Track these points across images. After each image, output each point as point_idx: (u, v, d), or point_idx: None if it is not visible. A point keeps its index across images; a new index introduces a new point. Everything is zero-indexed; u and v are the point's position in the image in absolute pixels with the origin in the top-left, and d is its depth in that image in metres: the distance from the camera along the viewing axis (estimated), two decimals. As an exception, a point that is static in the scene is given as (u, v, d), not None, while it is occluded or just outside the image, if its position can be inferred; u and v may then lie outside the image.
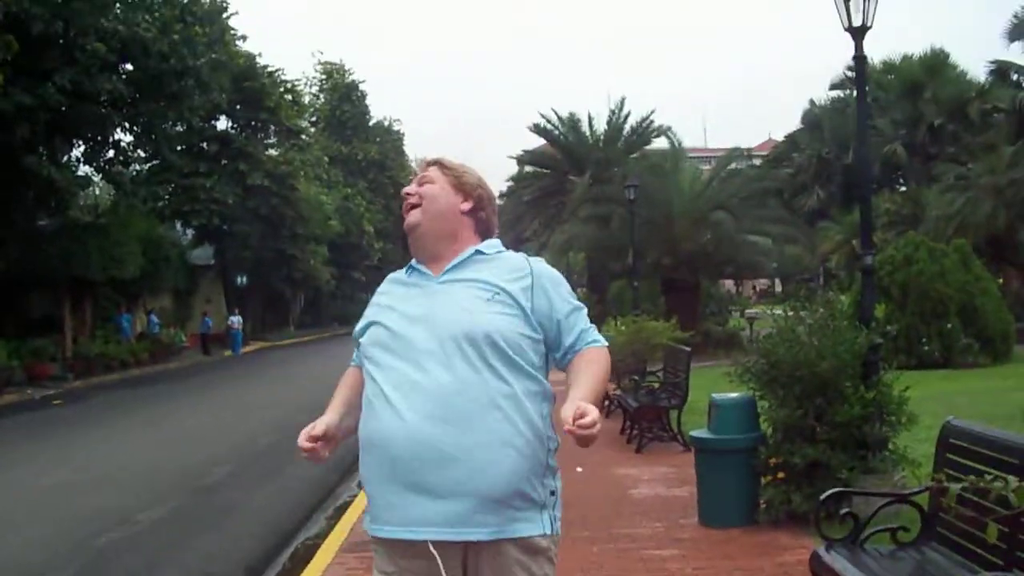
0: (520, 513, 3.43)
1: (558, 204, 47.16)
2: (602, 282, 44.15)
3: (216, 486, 13.17)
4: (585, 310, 3.73)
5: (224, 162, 52.08)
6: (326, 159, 71.20)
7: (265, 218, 52.77)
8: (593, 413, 3.24)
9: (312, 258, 61.12)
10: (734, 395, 9.28)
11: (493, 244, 3.83)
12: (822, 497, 5.89)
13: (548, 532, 3.50)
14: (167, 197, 49.84)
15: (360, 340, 3.75)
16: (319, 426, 3.80)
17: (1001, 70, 52.44)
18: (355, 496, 11.72)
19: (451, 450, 3.37)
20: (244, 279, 55.77)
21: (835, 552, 5.57)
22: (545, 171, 50.89)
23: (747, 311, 50.59)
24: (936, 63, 55.33)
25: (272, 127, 56.37)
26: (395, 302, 3.72)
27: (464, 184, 3.85)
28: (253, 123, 54.66)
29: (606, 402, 17.60)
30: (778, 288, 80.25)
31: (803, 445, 8.67)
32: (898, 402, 9.00)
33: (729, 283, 62.51)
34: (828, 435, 8.64)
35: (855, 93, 9.94)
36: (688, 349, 14.65)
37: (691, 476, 11.36)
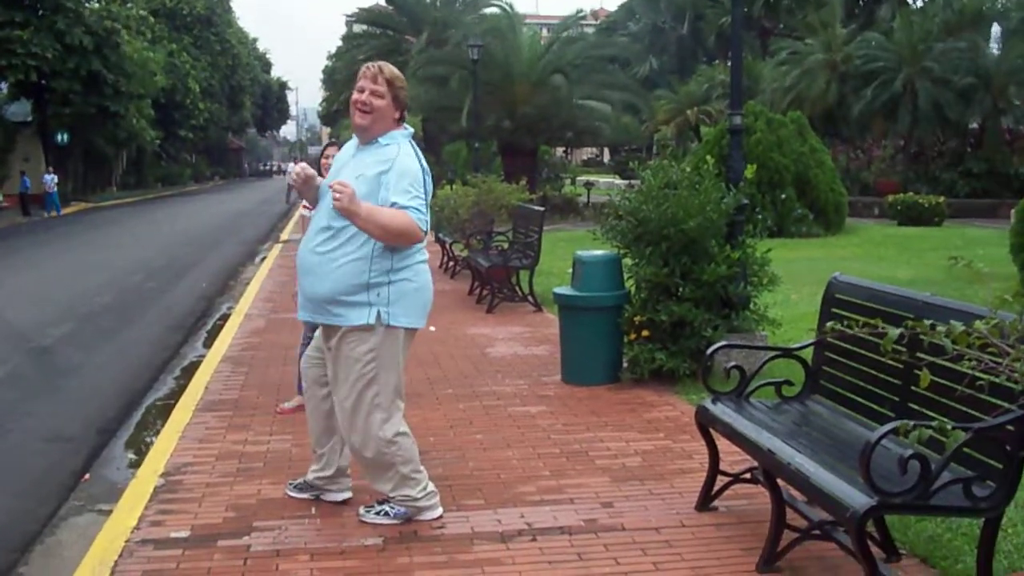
0: (345, 309, 5.45)
1: (393, 64, 46.19)
2: (437, 144, 43.75)
3: (53, 347, 12.63)
4: (410, 196, 5.36)
5: (41, 13, 49.36)
6: (150, 14, 68.15)
7: (86, 76, 50.36)
8: (348, 190, 5.16)
9: (136, 116, 58.83)
10: (599, 252, 9.21)
11: (393, 136, 5.59)
12: (711, 350, 5.86)
13: (370, 322, 5.44)
14: (-20, 49, 47.02)
15: None
16: (311, 171, 5.84)
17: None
18: (202, 357, 11.39)
19: (310, 267, 5.54)
20: (65, 137, 53.36)
21: (722, 404, 5.57)
22: (380, 31, 49.87)
23: (579, 179, 50.98)
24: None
25: (92, -24, 53.60)
26: (336, 163, 5.89)
27: (400, 98, 5.60)
28: (72, -27, 51.84)
29: (451, 262, 17.90)
30: (607, 158, 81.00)
31: (668, 303, 8.70)
32: (760, 263, 9.09)
33: (559, 151, 62.77)
34: (693, 294, 8.69)
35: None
36: (542, 209, 14.54)
37: (547, 336, 11.45)
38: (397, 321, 5.50)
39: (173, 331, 13.71)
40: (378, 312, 5.43)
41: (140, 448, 7.96)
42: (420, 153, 5.65)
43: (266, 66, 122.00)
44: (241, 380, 9.39)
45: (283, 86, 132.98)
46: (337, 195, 5.14)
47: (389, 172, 5.39)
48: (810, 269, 15.95)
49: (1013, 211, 15.51)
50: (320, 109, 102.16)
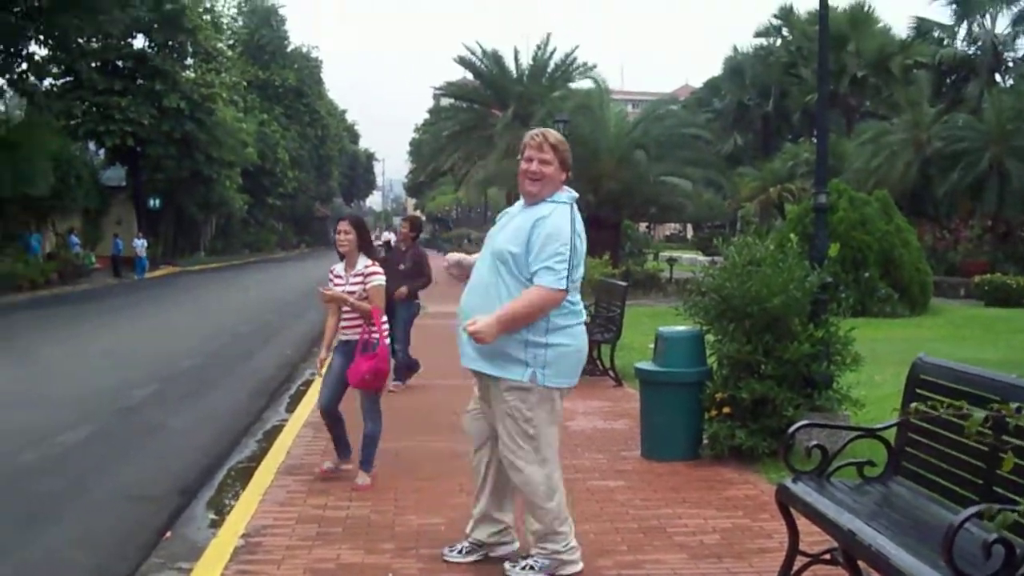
0: (504, 361, 5.76)
1: (479, 139, 46.86)
2: (523, 219, 43.97)
3: (138, 408, 12.85)
4: (546, 255, 5.67)
5: (140, 81, 50.75)
6: (244, 83, 69.77)
7: (180, 140, 51.56)
8: (478, 324, 5.60)
9: (226, 183, 60.03)
10: (682, 328, 9.23)
11: (556, 198, 5.92)
12: (792, 428, 5.83)
13: (524, 380, 5.75)
14: (80, 115, 48.36)
15: None
16: (458, 255, 6.78)
17: (922, 26, 53.23)
18: (284, 421, 11.54)
19: (470, 314, 5.79)
20: (157, 202, 54.66)
21: (803, 483, 5.53)
22: (467, 105, 50.44)
23: (662, 254, 50.93)
24: (860, 16, 55.67)
25: (190, 48, 55.01)
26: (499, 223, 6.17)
27: (565, 161, 5.96)
28: (171, 43, 53.19)
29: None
30: (690, 234, 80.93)
31: (750, 381, 8.66)
32: (844, 342, 9.02)
33: (643, 226, 62.83)
34: (775, 371, 8.64)
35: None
36: (625, 284, 14.60)
37: (627, 410, 11.41)
38: (551, 383, 5.80)
39: (256, 396, 13.88)
40: (534, 372, 5.74)
41: (221, 509, 8.04)
42: (577, 216, 5.95)
43: (354, 137, 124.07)
44: (323, 445, 9.47)
45: (370, 157, 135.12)
46: (479, 339, 5.63)
47: (537, 228, 5.72)
48: (894, 350, 15.74)
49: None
50: (406, 180, 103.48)
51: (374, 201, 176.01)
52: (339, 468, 8.56)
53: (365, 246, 8.44)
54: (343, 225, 8.40)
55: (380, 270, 8.37)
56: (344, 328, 8.41)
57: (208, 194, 58.58)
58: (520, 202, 6.07)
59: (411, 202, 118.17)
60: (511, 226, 5.89)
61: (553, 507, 5.86)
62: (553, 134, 6.00)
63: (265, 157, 72.05)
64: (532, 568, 5.89)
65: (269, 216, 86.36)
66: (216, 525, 7.46)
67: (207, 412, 12.71)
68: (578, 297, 5.91)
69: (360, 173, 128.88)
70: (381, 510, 7.50)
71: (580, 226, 5.87)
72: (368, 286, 8.24)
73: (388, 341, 8.51)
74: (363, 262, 8.34)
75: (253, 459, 9.75)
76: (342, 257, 8.48)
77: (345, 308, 8.33)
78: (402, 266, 13.01)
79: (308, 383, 14.23)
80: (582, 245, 5.86)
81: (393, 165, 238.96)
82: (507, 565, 5.98)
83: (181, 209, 59.69)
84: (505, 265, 5.75)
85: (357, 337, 8.20)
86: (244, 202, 67.61)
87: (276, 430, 11.14)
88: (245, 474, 9.04)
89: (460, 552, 6.31)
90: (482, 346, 5.71)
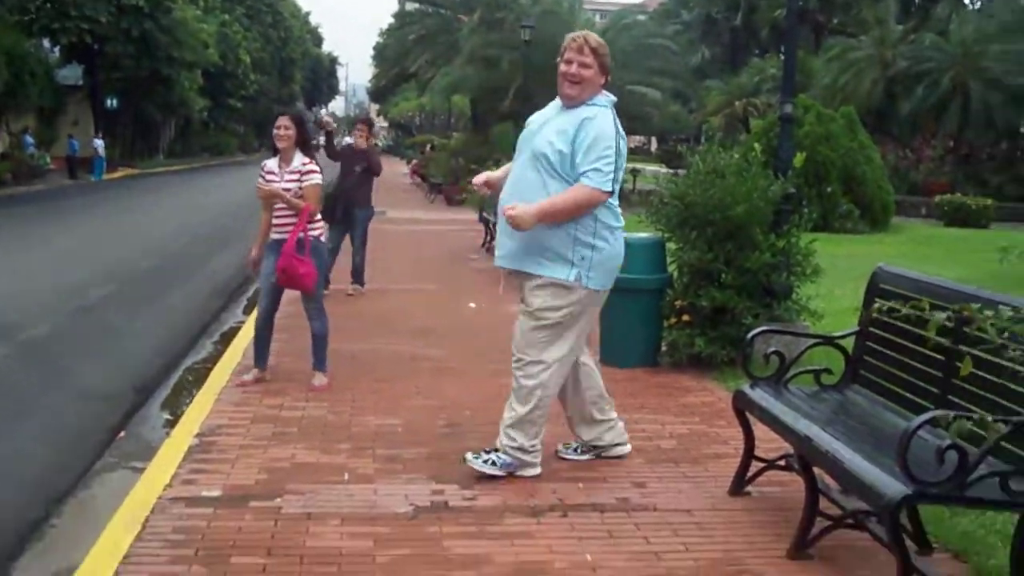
0: (549, 261, 5.76)
1: (444, 44, 46.32)
2: (486, 124, 43.70)
3: (96, 308, 12.72)
4: (593, 157, 5.61)
5: (96, -25, 49.59)
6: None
7: (139, 39, 50.54)
8: (518, 209, 5.54)
9: (186, 84, 59.07)
10: (643, 235, 9.17)
11: (596, 101, 5.84)
12: (751, 334, 5.83)
13: (569, 280, 5.74)
14: (34, 11, 47.17)
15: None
16: (484, 175, 6.50)
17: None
18: (242, 323, 11.46)
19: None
20: (114, 102, 53.68)
21: (760, 389, 5.54)
22: (432, 9, 49.81)
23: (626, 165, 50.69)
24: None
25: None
26: (532, 123, 6.05)
27: (605, 65, 5.87)
28: (131, -64, 52.00)
29: (493, 241, 17.66)
30: (654, 147, 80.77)
31: (710, 289, 8.66)
32: (805, 253, 9.01)
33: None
34: (736, 281, 8.63)
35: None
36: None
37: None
38: (594, 284, 5.81)
39: (214, 297, 13.82)
40: (579, 273, 5.73)
41: (176, 409, 7.99)
42: (618, 120, 5.90)
43: (317, 40, 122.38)
44: (278, 347, 9.43)
45: (333, 61, 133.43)
46: (515, 224, 5.58)
47: (582, 130, 5.66)
48: (854, 265, 15.76)
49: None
50: (369, 85, 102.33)
51: (337, 106, 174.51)
52: (257, 380, 8.30)
53: (303, 143, 8.14)
54: (283, 120, 8.08)
55: (317, 168, 8.12)
56: (276, 226, 8.11)
57: (168, 95, 57.54)
58: (555, 104, 6.00)
59: (374, 107, 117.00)
60: (551, 126, 5.81)
61: (539, 397, 5.88)
62: (594, 37, 5.90)
63: (226, 59, 70.66)
64: (494, 463, 5.93)
65: (230, 119, 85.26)
66: (171, 425, 7.43)
67: (164, 313, 12.61)
68: (617, 201, 5.87)
69: (323, 77, 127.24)
70: (338, 411, 7.46)
71: (622, 130, 5.86)
72: (304, 184, 8.00)
73: (324, 240, 8.43)
74: (299, 159, 8.07)
75: (210, 360, 9.71)
76: (275, 152, 8.21)
77: (279, 206, 8.06)
78: (358, 168, 12.91)
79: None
80: (625, 149, 5.88)
81: (357, 69, 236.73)
82: (469, 455, 6.01)
83: (140, 110, 58.76)
84: (549, 164, 5.69)
85: (287, 236, 7.97)
86: (204, 104, 66.59)
87: (233, 331, 11.09)
88: (201, 374, 9.00)
89: (576, 451, 6.44)
90: (527, 242, 5.71)
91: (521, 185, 5.80)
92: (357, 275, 13.17)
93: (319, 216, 8.32)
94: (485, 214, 18.47)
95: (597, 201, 5.66)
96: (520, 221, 5.54)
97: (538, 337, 5.82)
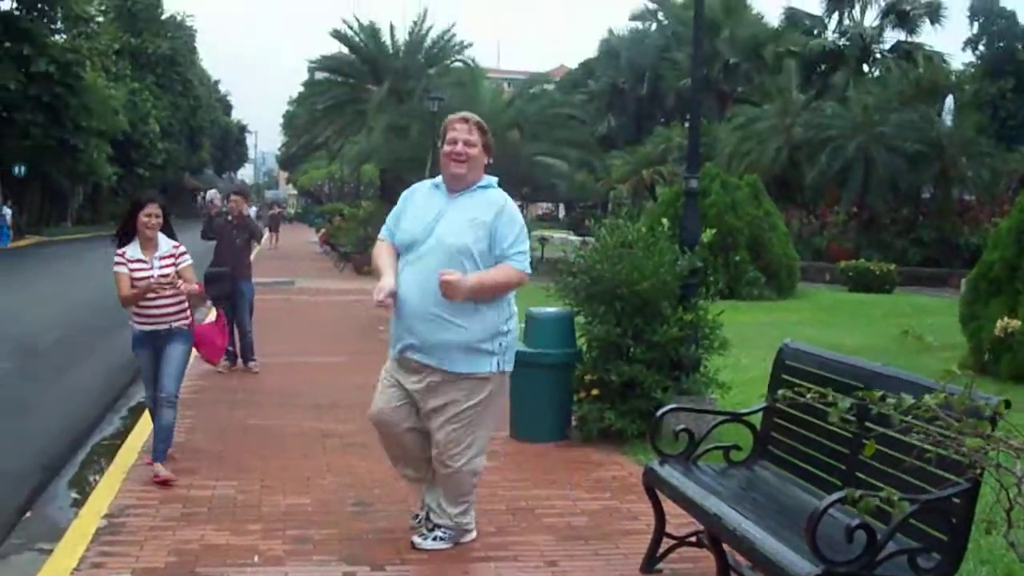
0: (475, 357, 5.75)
1: (353, 113, 46.39)
2: (395, 193, 43.74)
3: (1, 381, 12.43)
4: (522, 245, 5.80)
5: (6, 44, 49.06)
6: (114, 48, 67.80)
7: (48, 107, 49.99)
8: (453, 276, 5.49)
9: (95, 152, 58.42)
10: (552, 309, 9.21)
11: (490, 181, 5.97)
12: (660, 412, 5.86)
13: (491, 371, 5.80)
14: (-60, 78, 46.58)
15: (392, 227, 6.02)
16: (387, 288, 5.81)
17: (794, 16, 54.58)
18: (149, 398, 11.25)
19: (435, 317, 5.69)
20: (22, 169, 53.00)
21: (670, 467, 5.55)
22: (341, 79, 49.90)
23: (533, 232, 50.99)
24: (734, 4, 56.61)
25: (59, 12, 53.38)
26: (417, 207, 5.96)
27: (489, 145, 5.97)
28: (39, 6, 51.55)
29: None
30: (562, 213, 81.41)
31: (619, 363, 8.69)
32: (712, 326, 9.10)
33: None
34: (644, 355, 8.68)
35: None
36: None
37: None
38: (508, 366, 5.97)
39: (121, 372, 13.53)
40: (498, 361, 5.84)
41: (84, 488, 7.79)
42: None
43: (227, 108, 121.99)
44: (188, 423, 9.26)
45: (243, 129, 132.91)
46: (450, 292, 5.53)
47: (501, 218, 5.78)
48: (761, 333, 15.99)
49: (963, 281, 15.66)
50: (279, 153, 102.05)
51: (246, 174, 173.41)
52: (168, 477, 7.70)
53: (167, 228, 7.91)
54: (153, 208, 7.76)
55: (185, 249, 7.97)
56: (156, 316, 7.77)
57: (76, 164, 57.01)
58: (432, 185, 6.08)
59: (283, 175, 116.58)
60: (457, 216, 5.80)
61: (473, 485, 6.07)
62: (475, 116, 6.02)
63: (135, 127, 70.20)
64: (441, 539, 6.03)
65: (138, 187, 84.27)
66: (78, 504, 7.24)
67: (70, 387, 12.34)
68: None
69: (232, 145, 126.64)
70: (247, 490, 7.36)
71: None
72: (181, 266, 7.79)
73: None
74: (167, 244, 7.83)
75: (117, 436, 9.52)
76: (126, 238, 7.85)
77: (165, 295, 7.70)
78: (239, 240, 12.82)
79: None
80: None
81: (267, 137, 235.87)
82: (416, 539, 6.06)
83: (48, 177, 58.03)
84: (471, 260, 5.67)
85: (177, 323, 7.81)
86: (113, 172, 65.90)
87: (141, 407, 10.84)
88: (109, 451, 8.80)
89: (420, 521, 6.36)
90: (456, 342, 5.70)
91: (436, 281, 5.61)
92: (251, 350, 13.01)
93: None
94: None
95: (521, 284, 5.81)
96: (454, 290, 5.51)
97: (464, 435, 5.87)
